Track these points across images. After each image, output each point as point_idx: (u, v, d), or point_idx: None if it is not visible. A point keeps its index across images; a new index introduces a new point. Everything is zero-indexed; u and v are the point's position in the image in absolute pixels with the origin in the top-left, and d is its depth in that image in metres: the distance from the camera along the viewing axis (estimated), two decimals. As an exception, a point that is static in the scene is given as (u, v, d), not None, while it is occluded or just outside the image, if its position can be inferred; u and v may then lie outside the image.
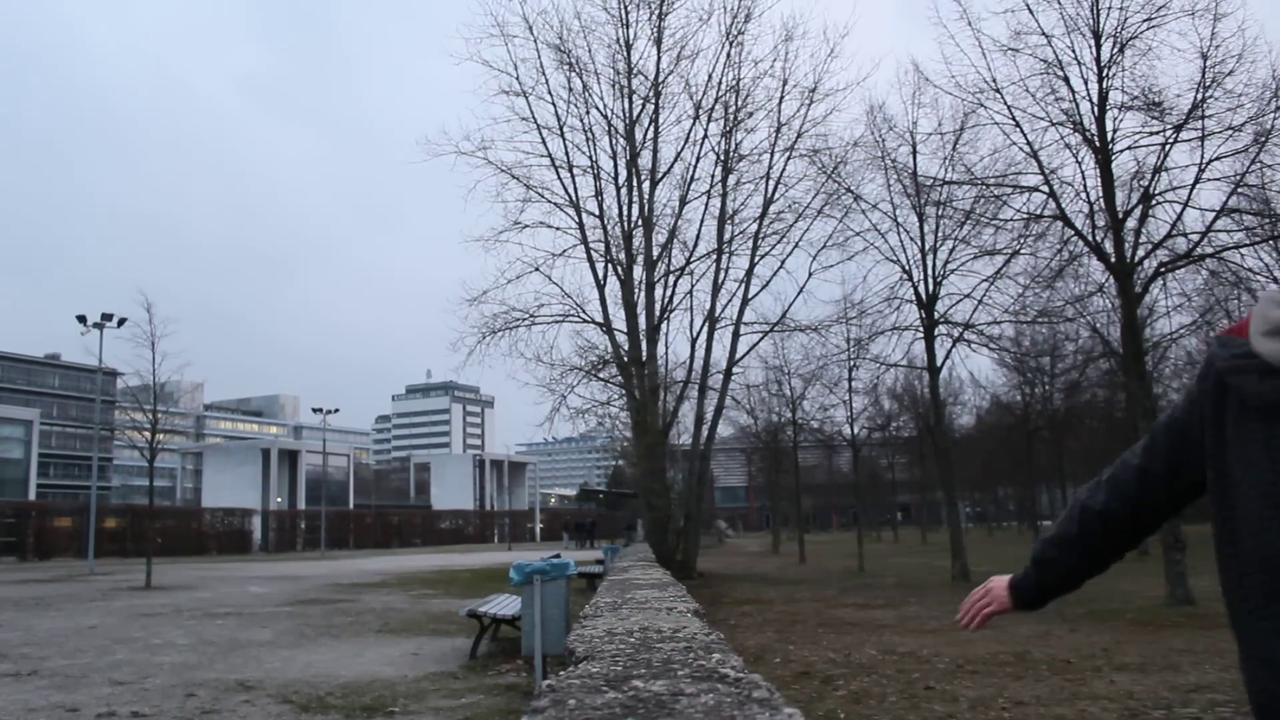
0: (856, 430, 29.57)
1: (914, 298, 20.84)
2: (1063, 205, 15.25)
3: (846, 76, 49.99)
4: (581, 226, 21.75)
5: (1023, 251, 18.27)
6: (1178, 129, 14.05)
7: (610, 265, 21.75)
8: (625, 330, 21.48)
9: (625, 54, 21.91)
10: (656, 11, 21.69)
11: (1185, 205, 14.20)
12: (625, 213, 22.00)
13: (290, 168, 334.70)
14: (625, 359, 21.36)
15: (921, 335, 20.96)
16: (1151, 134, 14.43)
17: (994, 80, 15.70)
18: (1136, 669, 7.85)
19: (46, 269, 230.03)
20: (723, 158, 22.21)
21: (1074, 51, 14.61)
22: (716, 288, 22.11)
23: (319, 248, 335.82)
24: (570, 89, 21.94)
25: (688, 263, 22.32)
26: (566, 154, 21.93)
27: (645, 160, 22.11)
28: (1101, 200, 14.61)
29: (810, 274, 22.74)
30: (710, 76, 22.57)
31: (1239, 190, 14.17)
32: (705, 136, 22.32)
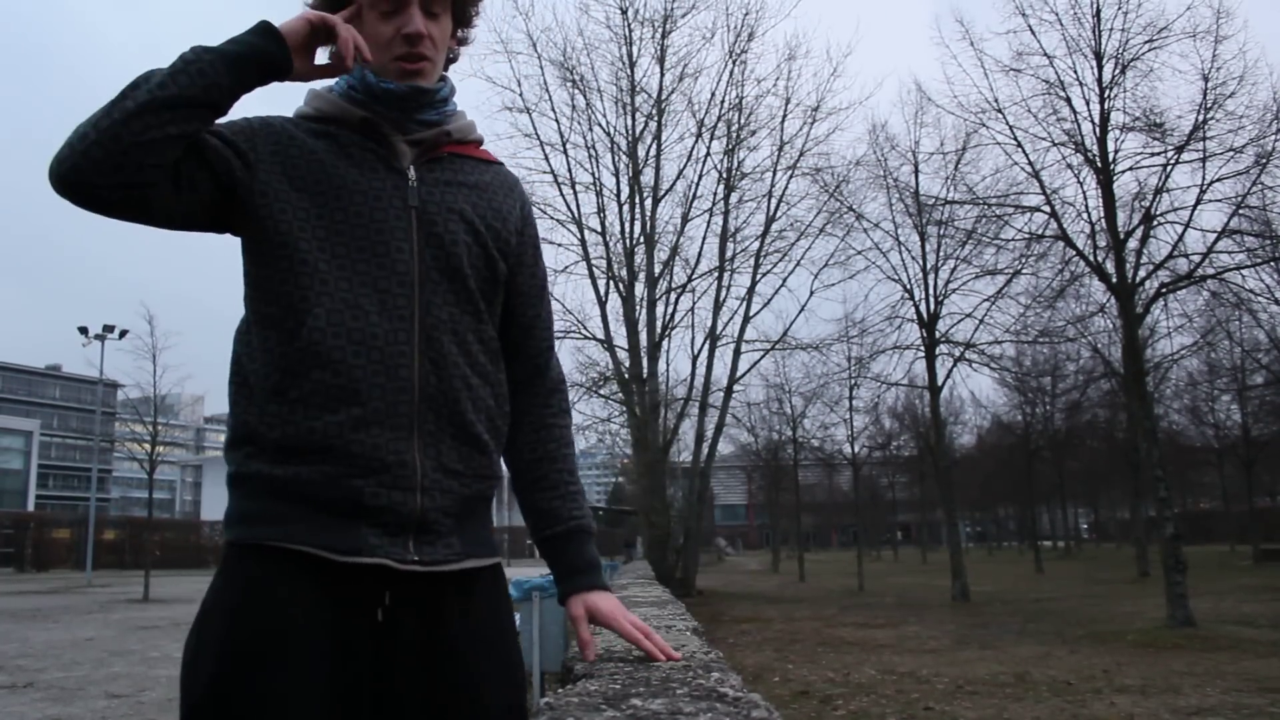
0: (857, 449, 29.55)
1: (915, 317, 20.87)
2: (1064, 225, 15.28)
3: (849, 95, 50.03)
4: (583, 243, 21.79)
5: (1024, 271, 18.32)
6: (1179, 150, 14.11)
7: (612, 282, 21.77)
8: (626, 347, 21.47)
9: (629, 71, 22.03)
10: (660, 30, 21.81)
11: (1186, 226, 14.24)
12: (627, 229, 22.04)
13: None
14: (626, 376, 21.34)
15: (923, 354, 20.97)
16: (1153, 155, 14.49)
17: (996, 100, 15.78)
18: (1137, 691, 7.81)
19: (50, 276, 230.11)
20: (725, 175, 22.27)
21: (1076, 72, 14.66)
22: (718, 305, 22.13)
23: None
24: (574, 106, 22.03)
25: (689, 280, 22.34)
26: (569, 170, 21.91)
27: (648, 177, 22.18)
28: (1103, 220, 14.64)
29: (812, 292, 22.76)
30: (713, 94, 22.65)
31: (1240, 211, 14.22)
32: (708, 154, 22.39)
